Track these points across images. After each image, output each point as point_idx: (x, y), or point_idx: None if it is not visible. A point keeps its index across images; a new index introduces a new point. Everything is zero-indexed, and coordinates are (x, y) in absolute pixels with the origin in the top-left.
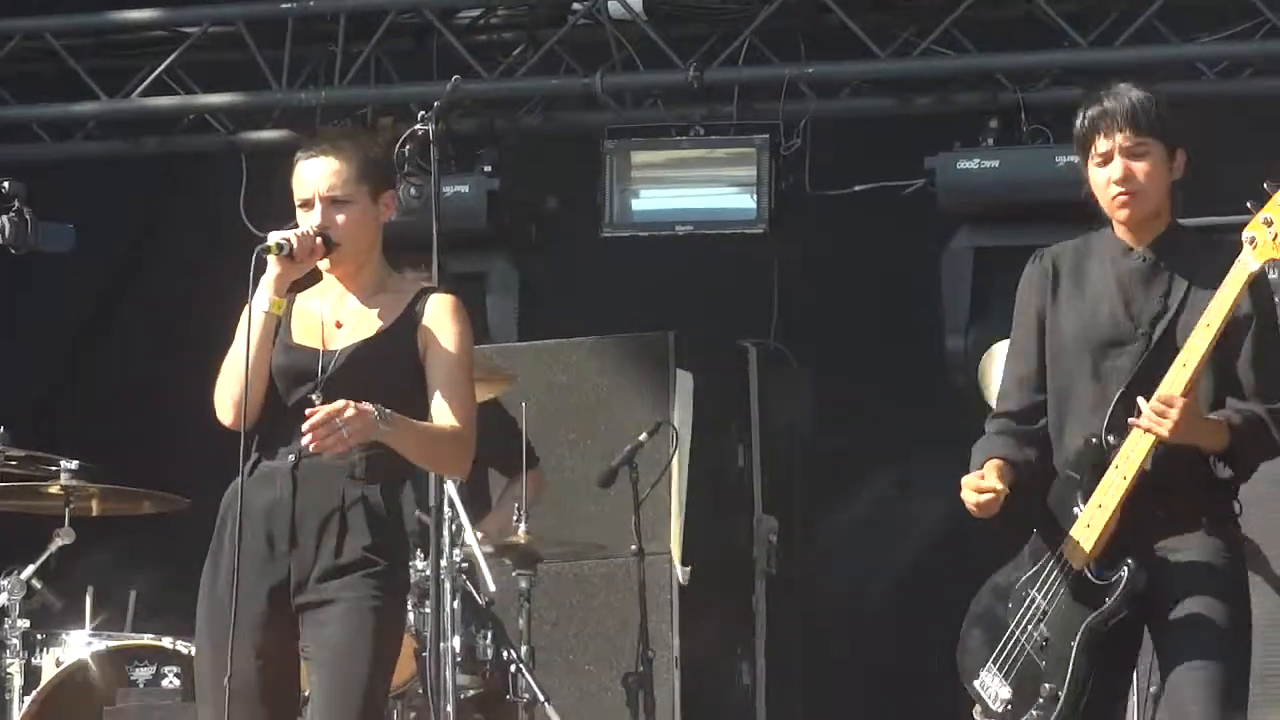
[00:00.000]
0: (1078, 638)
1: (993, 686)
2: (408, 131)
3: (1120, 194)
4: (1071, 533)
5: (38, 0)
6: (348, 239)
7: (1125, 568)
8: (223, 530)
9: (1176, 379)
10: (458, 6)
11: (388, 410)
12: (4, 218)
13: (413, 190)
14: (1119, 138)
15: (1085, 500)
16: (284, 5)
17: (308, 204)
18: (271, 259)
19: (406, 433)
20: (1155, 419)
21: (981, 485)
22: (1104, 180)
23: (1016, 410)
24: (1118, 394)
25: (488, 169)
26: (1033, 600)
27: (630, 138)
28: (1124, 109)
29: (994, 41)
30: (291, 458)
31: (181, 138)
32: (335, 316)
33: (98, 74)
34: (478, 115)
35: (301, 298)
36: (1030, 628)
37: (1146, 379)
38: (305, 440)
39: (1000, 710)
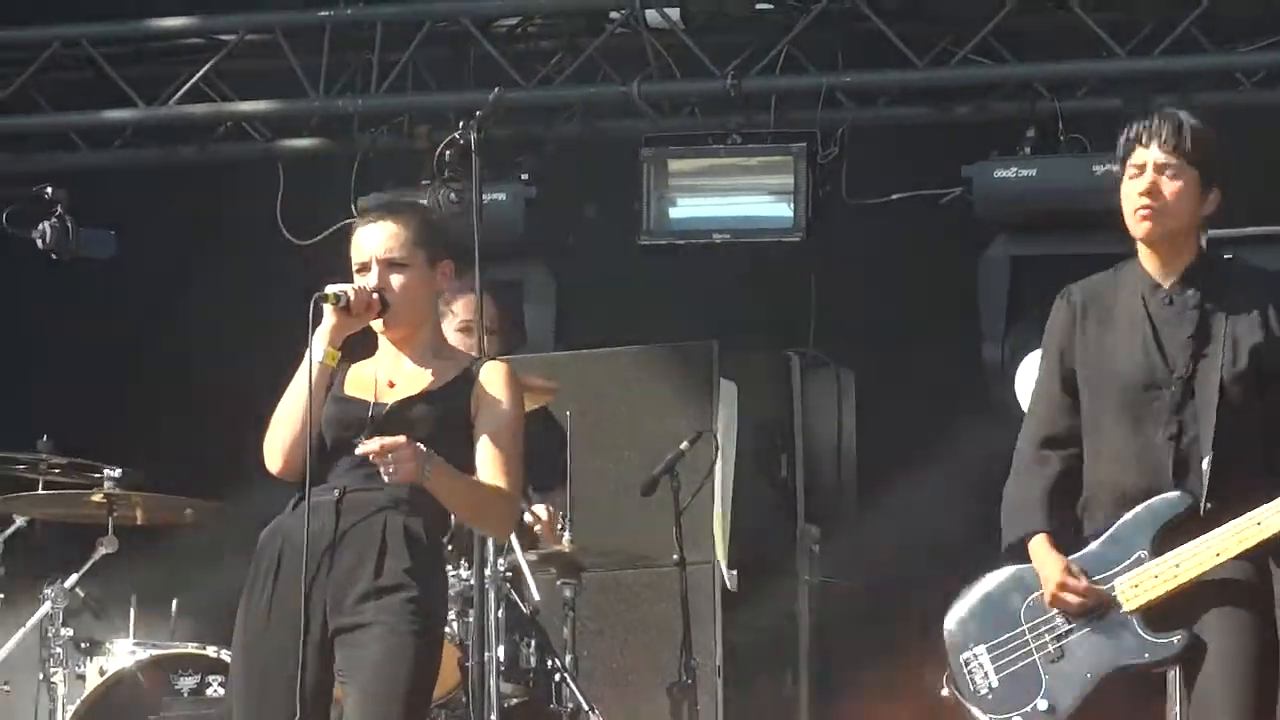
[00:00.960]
0: (1099, 673)
1: (980, 670)
2: (448, 139)
3: (1144, 207)
4: (1133, 575)
5: (76, 7)
6: (403, 302)
7: (1179, 637)
8: (259, 562)
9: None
10: (495, 15)
11: (437, 455)
12: (46, 224)
13: (452, 196)
14: (1157, 154)
15: (1155, 550)
16: (321, 13)
17: (365, 268)
18: (328, 309)
19: (453, 483)
20: None
21: (1085, 589)
22: (1132, 191)
23: (1053, 436)
24: (1207, 460)
25: (525, 177)
26: (1054, 612)
27: (667, 146)
28: (1170, 127)
29: (1032, 51)
30: (336, 493)
31: (218, 145)
32: (389, 377)
33: (135, 81)
34: (515, 123)
35: (356, 364)
36: (1046, 637)
37: (1191, 422)
38: (361, 455)
39: (979, 695)
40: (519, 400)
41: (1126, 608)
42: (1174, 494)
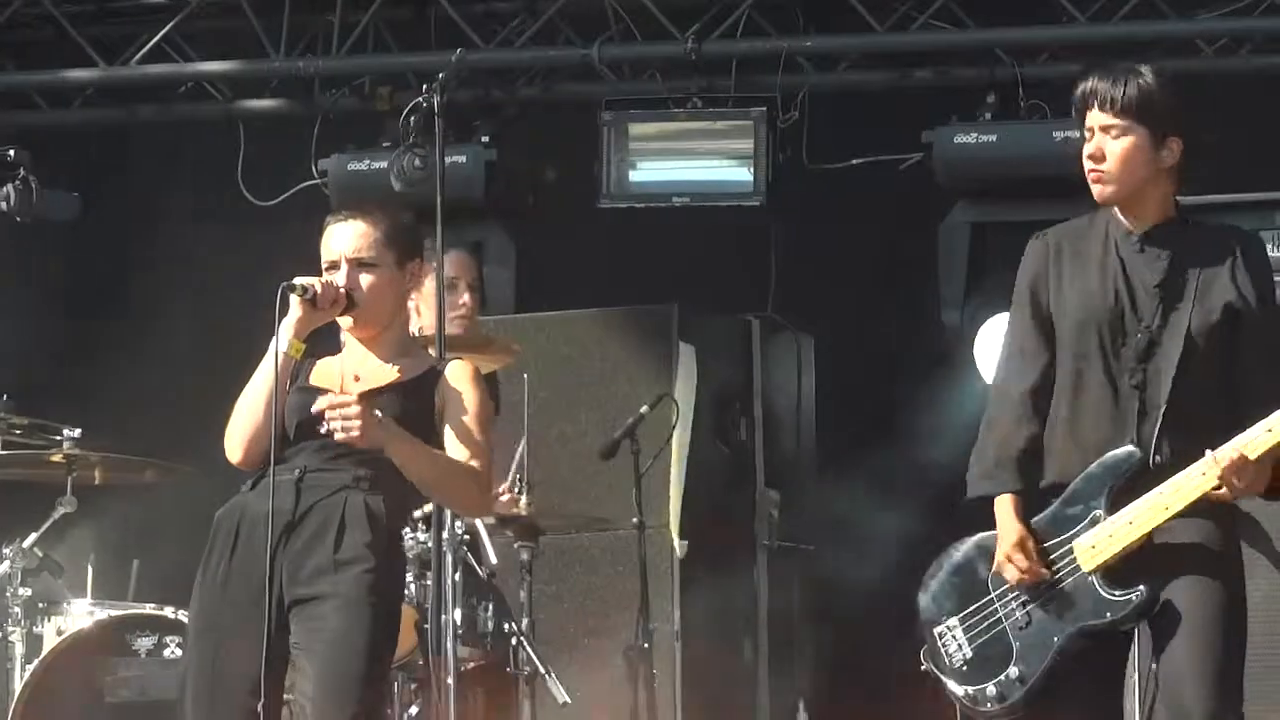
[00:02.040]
0: (1064, 636)
1: (953, 642)
2: (411, 104)
3: (1091, 171)
4: (1090, 536)
5: None
6: (371, 301)
7: (1138, 593)
8: (216, 535)
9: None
10: None
11: (396, 426)
12: (9, 186)
13: (417, 161)
14: (1100, 116)
15: (1110, 507)
16: None
17: (334, 266)
18: (295, 300)
19: (413, 447)
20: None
21: (1027, 566)
22: (1083, 156)
23: (1026, 411)
24: (1161, 411)
25: (485, 139)
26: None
27: (628, 109)
28: (1107, 88)
29: (992, 16)
30: (297, 473)
31: (179, 105)
32: (354, 371)
33: (96, 41)
34: (475, 85)
35: (322, 359)
36: (1013, 605)
37: (1155, 372)
38: (323, 440)
39: (954, 668)
40: (486, 396)
41: (1086, 568)
42: (1124, 449)
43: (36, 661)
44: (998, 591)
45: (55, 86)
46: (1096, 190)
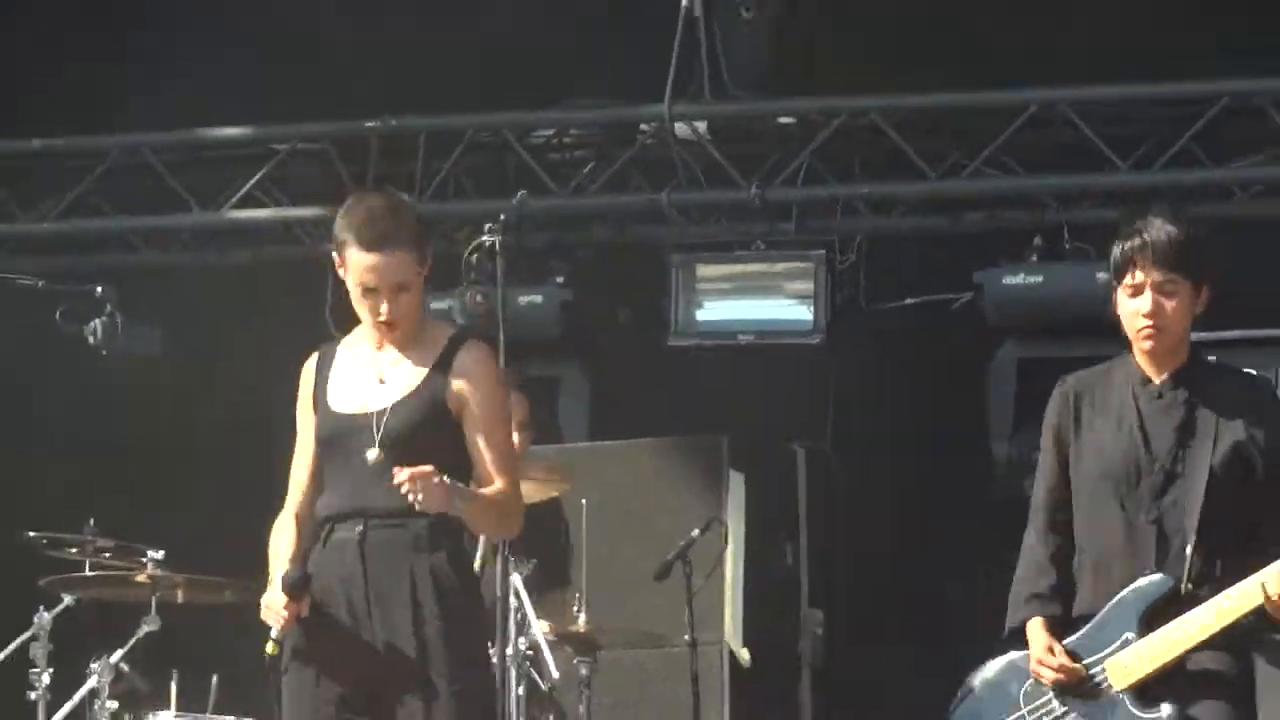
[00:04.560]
0: None
1: None
2: (475, 242)
3: (1148, 327)
4: (1123, 655)
5: (136, 116)
6: (408, 316)
7: (1167, 711)
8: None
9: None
10: (532, 126)
11: (460, 485)
12: (96, 321)
13: (479, 297)
14: (1153, 274)
15: (1141, 630)
16: (368, 124)
17: (373, 292)
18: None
19: (474, 505)
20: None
21: (1061, 664)
22: (1133, 310)
23: (1054, 551)
24: (1191, 543)
25: (560, 280)
26: (1050, 695)
27: (695, 252)
28: (1160, 246)
29: (1038, 164)
30: (359, 529)
31: (270, 249)
32: (377, 372)
33: (191, 187)
34: (551, 228)
35: (345, 349)
36: (1044, 716)
37: (1172, 508)
38: (393, 488)
39: None
40: (497, 382)
41: (1118, 687)
42: (1157, 576)
43: None
44: (1029, 706)
45: (154, 230)
46: (1149, 344)
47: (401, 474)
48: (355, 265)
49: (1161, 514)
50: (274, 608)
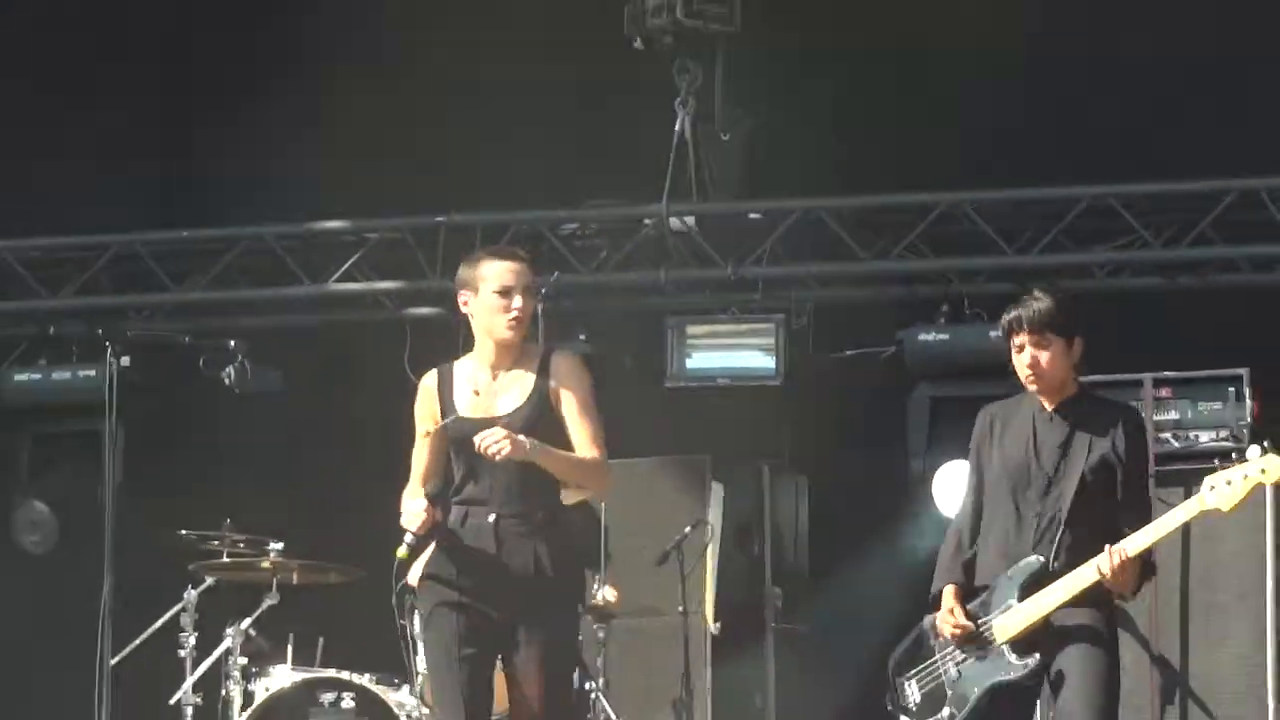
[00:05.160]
0: (981, 688)
1: (909, 689)
2: None
3: (1029, 375)
4: (1005, 616)
5: (261, 211)
6: (527, 319)
7: (1035, 660)
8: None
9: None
10: (562, 220)
11: (539, 443)
12: (231, 367)
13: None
14: (1029, 336)
15: (1021, 598)
16: (438, 219)
17: (508, 292)
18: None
19: (551, 455)
20: (1113, 569)
21: (957, 622)
22: (1019, 363)
23: (968, 536)
24: (1060, 531)
25: (583, 337)
26: (953, 646)
27: (686, 315)
28: (1031, 315)
29: (945, 249)
30: (492, 517)
31: (362, 313)
32: (492, 386)
33: (304, 265)
34: (576, 298)
35: (460, 368)
36: (950, 664)
37: (1052, 504)
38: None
39: (907, 707)
40: (588, 379)
41: (1000, 640)
42: (1033, 557)
43: (249, 712)
44: (940, 655)
45: (271, 299)
46: (1034, 388)
47: (480, 436)
48: (493, 273)
49: (1043, 510)
50: (414, 510)
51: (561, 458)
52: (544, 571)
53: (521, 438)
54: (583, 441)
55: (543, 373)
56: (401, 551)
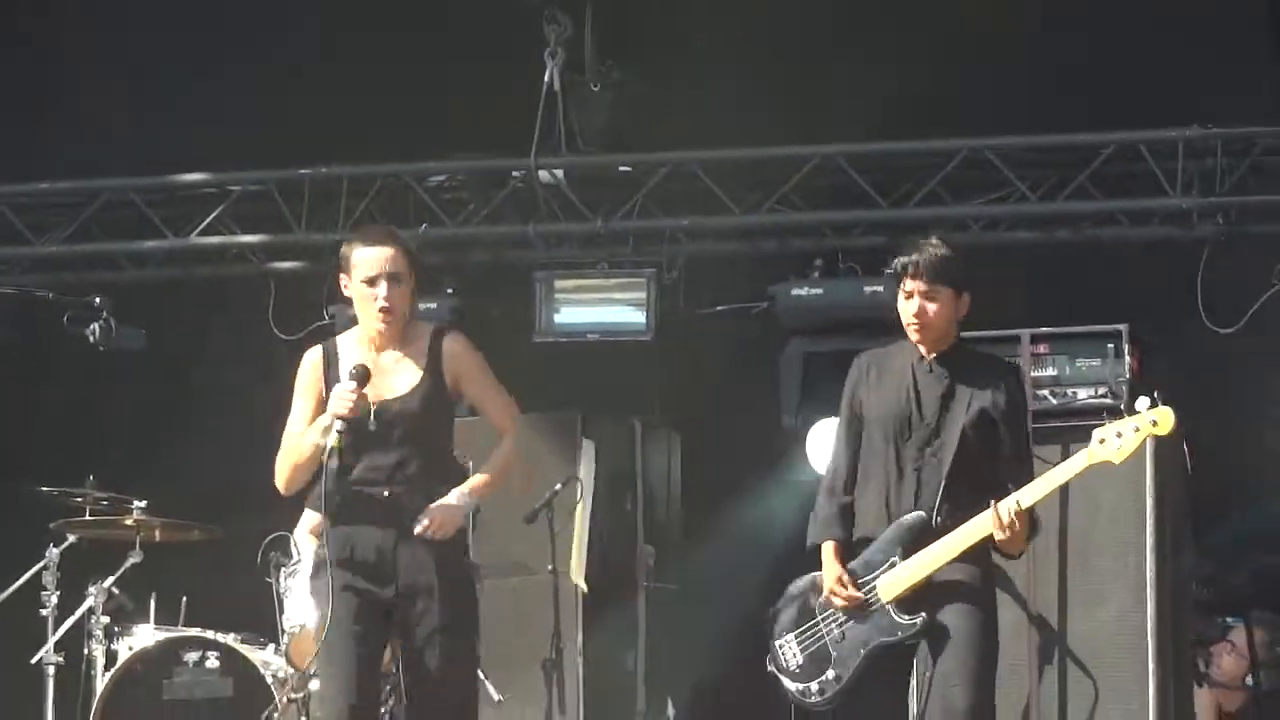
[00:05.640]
0: (868, 647)
1: (789, 650)
2: None
3: (914, 324)
4: (889, 575)
5: (123, 164)
6: (399, 309)
7: (921, 618)
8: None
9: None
10: (430, 173)
11: (464, 493)
12: (95, 324)
13: None
14: (919, 284)
15: (905, 555)
16: (302, 171)
17: (373, 280)
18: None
19: (480, 488)
20: (1006, 524)
21: (849, 594)
22: (906, 310)
23: (845, 483)
24: (942, 486)
25: (450, 290)
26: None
27: (554, 269)
28: (925, 263)
29: (818, 202)
30: (386, 493)
31: (226, 266)
32: (380, 366)
33: (165, 219)
34: (444, 251)
35: (344, 346)
36: (833, 625)
37: (932, 458)
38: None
39: (789, 670)
40: (480, 356)
41: (884, 599)
42: (916, 514)
43: (113, 670)
44: (822, 615)
45: (135, 253)
46: (916, 337)
47: (419, 528)
48: (361, 260)
49: (923, 464)
50: (342, 392)
51: (489, 482)
52: (439, 546)
53: (454, 503)
54: (501, 417)
55: (433, 355)
56: (333, 440)
